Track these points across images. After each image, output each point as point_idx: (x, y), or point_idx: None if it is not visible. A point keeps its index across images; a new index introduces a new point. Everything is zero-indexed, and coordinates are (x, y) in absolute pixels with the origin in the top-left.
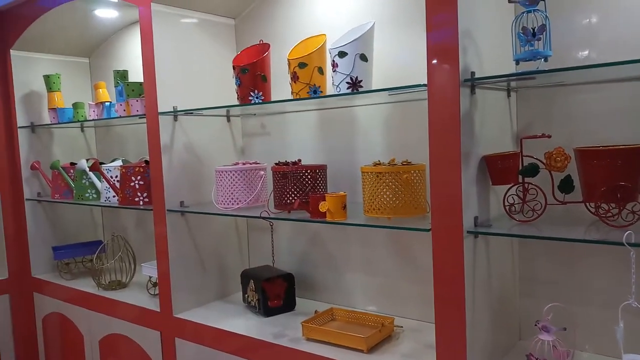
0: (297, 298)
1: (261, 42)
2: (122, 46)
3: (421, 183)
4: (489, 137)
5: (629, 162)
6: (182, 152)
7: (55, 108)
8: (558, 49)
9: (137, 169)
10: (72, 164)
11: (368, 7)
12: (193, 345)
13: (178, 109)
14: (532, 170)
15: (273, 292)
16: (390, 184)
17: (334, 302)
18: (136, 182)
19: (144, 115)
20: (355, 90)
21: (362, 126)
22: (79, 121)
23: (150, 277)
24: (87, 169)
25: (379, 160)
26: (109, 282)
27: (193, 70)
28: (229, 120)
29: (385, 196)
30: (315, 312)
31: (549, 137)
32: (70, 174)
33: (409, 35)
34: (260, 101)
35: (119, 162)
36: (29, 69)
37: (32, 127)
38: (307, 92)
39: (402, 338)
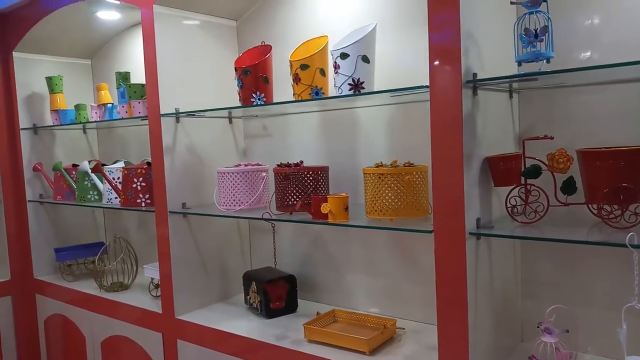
0: (299, 300)
1: (263, 43)
2: (124, 48)
3: (423, 184)
4: (491, 139)
5: (631, 163)
6: (184, 154)
7: (57, 110)
8: (560, 50)
9: (139, 171)
10: (75, 165)
11: (370, 8)
12: (195, 347)
13: (180, 111)
14: (535, 172)
15: (275, 293)
16: (393, 185)
17: (336, 303)
18: (138, 183)
19: (146, 116)
20: (357, 92)
21: (364, 128)
22: (81, 123)
23: (152, 279)
24: (89, 171)
25: (381, 162)
26: (111, 283)
27: (195, 71)
28: (231, 122)
29: (387, 198)
30: (317, 313)
31: (552, 138)
32: (72, 176)
33: (411, 36)
34: (262, 103)
35: (121, 164)
36: (32, 71)
37: (35, 129)
38: (309, 94)
39: (404, 340)
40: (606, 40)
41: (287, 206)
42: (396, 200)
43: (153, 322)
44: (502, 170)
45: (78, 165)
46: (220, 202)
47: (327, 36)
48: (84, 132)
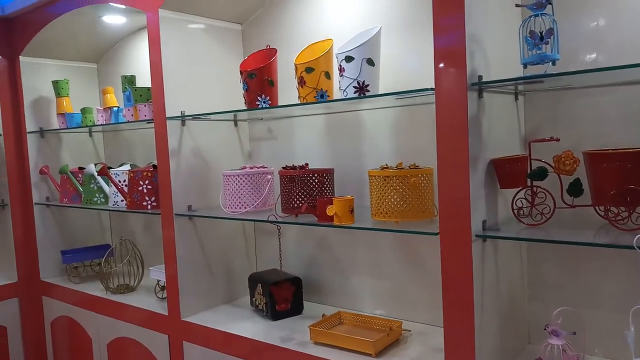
0: (304, 302)
1: (268, 47)
2: (129, 52)
3: (429, 187)
4: (497, 141)
5: (638, 165)
6: (190, 157)
7: (63, 113)
8: (565, 52)
9: (145, 174)
10: (81, 168)
11: (375, 11)
12: (201, 349)
13: (186, 114)
14: (541, 174)
15: (281, 295)
16: (398, 187)
17: (342, 305)
18: (144, 186)
19: (152, 120)
20: (362, 95)
21: (369, 130)
22: (87, 126)
23: (158, 281)
24: (96, 174)
25: (387, 164)
26: (117, 285)
27: (200, 75)
28: (236, 125)
29: (392, 200)
30: (323, 315)
31: (558, 140)
32: (78, 179)
33: (416, 39)
34: (268, 106)
35: (127, 167)
36: (38, 75)
37: (41, 132)
38: (314, 97)
39: (410, 342)
40: (612, 42)
41: (293, 208)
42: (402, 202)
43: (159, 324)
44: (508, 172)
45: (84, 168)
46: (226, 204)
47: (332, 39)
48: (90, 135)
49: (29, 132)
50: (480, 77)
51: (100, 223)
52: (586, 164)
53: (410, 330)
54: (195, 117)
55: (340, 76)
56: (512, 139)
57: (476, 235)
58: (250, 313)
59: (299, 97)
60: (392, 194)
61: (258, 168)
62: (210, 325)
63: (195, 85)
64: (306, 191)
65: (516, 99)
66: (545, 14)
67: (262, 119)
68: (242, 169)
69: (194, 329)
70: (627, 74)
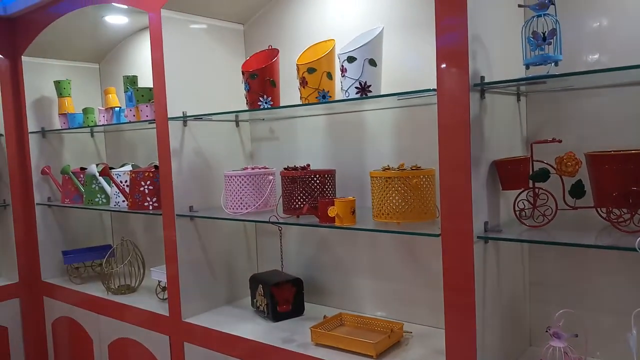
0: (305, 303)
1: (270, 47)
2: (131, 52)
3: (430, 188)
4: (499, 142)
5: None
6: (192, 157)
7: (65, 113)
8: (568, 52)
9: (146, 174)
10: (82, 168)
11: (377, 12)
12: (202, 350)
13: (187, 114)
14: (543, 175)
15: (282, 296)
16: (400, 188)
17: (343, 307)
18: (146, 186)
19: (154, 120)
20: (364, 95)
21: (371, 131)
22: (89, 126)
23: (159, 282)
24: (97, 174)
25: (388, 165)
26: (118, 286)
27: (202, 75)
28: (238, 125)
29: (394, 201)
30: (324, 317)
31: (560, 141)
32: (80, 179)
33: (418, 39)
34: (269, 106)
35: (128, 167)
36: (40, 75)
37: (43, 132)
38: (316, 97)
39: (412, 344)
40: (615, 42)
41: (294, 209)
42: (403, 203)
43: (160, 324)
44: (510, 173)
45: (86, 169)
46: (227, 205)
47: (333, 40)
48: (92, 135)
49: (30, 132)
50: (482, 77)
51: (102, 223)
52: (588, 165)
53: (411, 332)
54: (197, 117)
55: (342, 77)
56: (514, 140)
57: (478, 237)
58: (251, 314)
59: (301, 97)
60: (393, 195)
61: (260, 169)
62: (211, 326)
63: (197, 85)
64: (308, 192)
65: (518, 99)
66: (548, 14)
67: (263, 119)
68: (244, 169)
69: (195, 329)
70: (630, 75)
